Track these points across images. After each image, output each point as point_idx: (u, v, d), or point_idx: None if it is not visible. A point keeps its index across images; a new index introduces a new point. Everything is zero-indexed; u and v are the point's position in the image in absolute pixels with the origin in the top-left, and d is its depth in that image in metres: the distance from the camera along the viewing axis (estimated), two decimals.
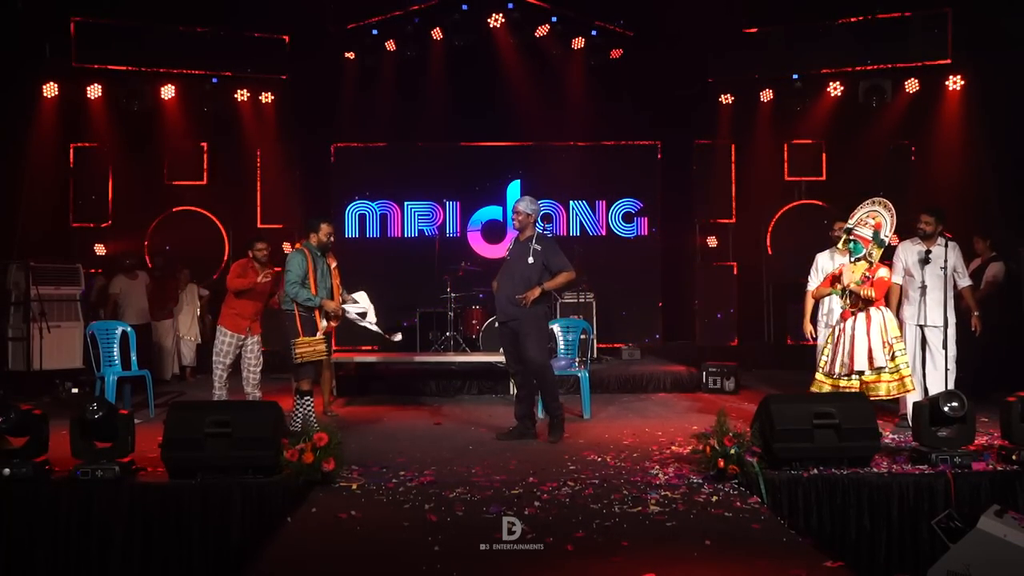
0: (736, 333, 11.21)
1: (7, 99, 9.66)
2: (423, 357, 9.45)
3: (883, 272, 5.77)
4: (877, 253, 5.75)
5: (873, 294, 5.70)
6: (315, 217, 6.73)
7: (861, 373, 5.67)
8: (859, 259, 5.80)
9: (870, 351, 5.62)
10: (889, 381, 5.60)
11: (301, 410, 6.39)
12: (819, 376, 5.92)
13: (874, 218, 5.79)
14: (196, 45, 10.72)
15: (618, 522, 4.27)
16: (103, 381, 7.37)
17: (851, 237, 5.82)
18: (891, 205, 5.82)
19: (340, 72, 11.36)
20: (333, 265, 6.60)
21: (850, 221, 5.89)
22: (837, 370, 5.78)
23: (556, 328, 7.99)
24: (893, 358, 5.64)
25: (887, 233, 5.77)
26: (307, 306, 6.33)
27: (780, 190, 11.28)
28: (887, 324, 5.67)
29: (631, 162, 11.99)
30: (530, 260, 6.34)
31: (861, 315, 5.70)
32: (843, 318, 5.83)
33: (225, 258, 10.87)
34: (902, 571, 4.64)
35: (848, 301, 5.82)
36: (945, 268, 6.25)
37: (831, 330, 6.83)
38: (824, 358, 5.97)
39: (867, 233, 5.76)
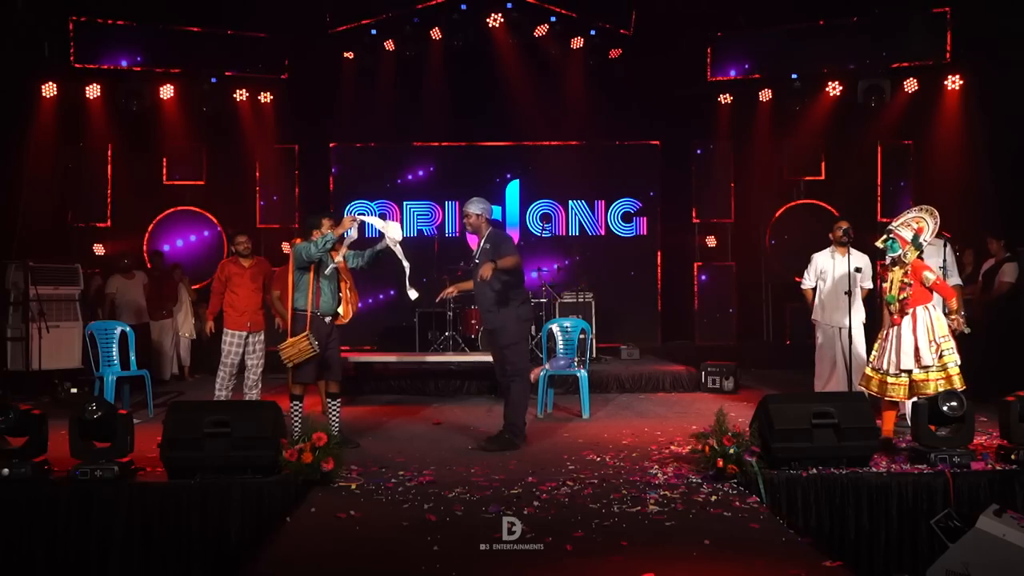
0: (735, 333, 11.23)
1: (6, 99, 9.65)
2: (422, 357, 9.44)
3: (930, 276, 5.72)
4: (912, 255, 5.74)
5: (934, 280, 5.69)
6: (315, 214, 6.26)
7: (909, 372, 5.66)
8: (895, 259, 5.78)
9: (917, 349, 5.62)
10: (937, 379, 5.60)
11: (294, 415, 6.07)
12: (868, 371, 5.93)
13: (917, 222, 5.77)
14: (195, 45, 10.73)
15: (617, 522, 4.27)
16: (102, 381, 7.36)
17: (890, 236, 5.81)
18: (937, 214, 5.79)
19: (339, 72, 11.36)
20: (339, 261, 6.12)
21: (895, 222, 5.87)
22: (885, 366, 5.79)
23: (555, 328, 8.00)
24: (941, 356, 5.63)
25: (926, 238, 5.76)
26: (314, 254, 5.85)
27: (779, 190, 11.31)
28: (934, 323, 5.66)
29: (630, 162, 11.99)
30: (478, 261, 6.18)
31: (908, 315, 5.70)
32: (893, 324, 5.81)
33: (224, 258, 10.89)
34: (901, 570, 4.64)
35: (893, 308, 5.80)
36: (944, 267, 6.25)
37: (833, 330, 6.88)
38: (874, 353, 5.98)
39: (907, 234, 5.75)
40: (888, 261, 5.83)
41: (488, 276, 5.87)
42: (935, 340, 5.63)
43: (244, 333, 7.03)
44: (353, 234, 6.10)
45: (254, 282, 7.11)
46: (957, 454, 4.98)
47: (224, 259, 7.26)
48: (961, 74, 10.14)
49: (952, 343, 5.72)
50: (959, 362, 5.68)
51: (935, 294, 5.78)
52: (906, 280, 5.70)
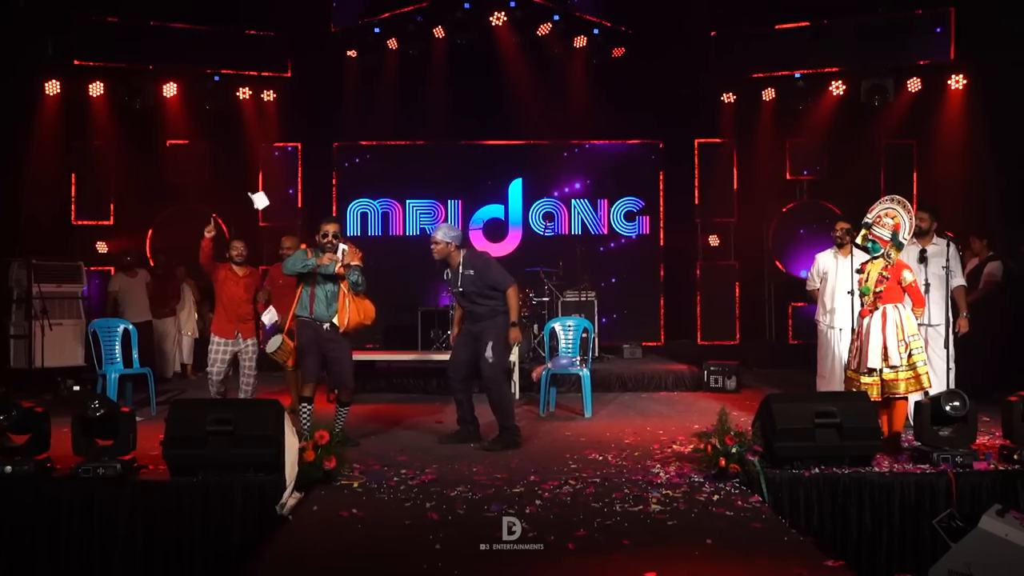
0: (738, 332, 11.23)
1: (9, 96, 9.68)
2: (424, 355, 9.44)
3: (908, 276, 5.70)
4: (895, 254, 5.71)
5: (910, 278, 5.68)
6: (326, 218, 6.19)
7: (873, 371, 5.64)
8: (876, 258, 5.77)
9: (885, 348, 5.59)
10: (906, 379, 5.59)
11: (304, 416, 6.03)
12: (849, 373, 5.92)
13: (892, 217, 5.73)
14: (198, 43, 10.72)
15: (619, 521, 4.27)
16: (105, 379, 7.37)
17: (870, 236, 5.78)
18: (909, 205, 5.77)
19: (342, 70, 11.37)
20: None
21: (868, 216, 5.84)
22: (856, 366, 5.78)
23: (557, 327, 8.00)
24: (910, 356, 5.61)
25: (905, 236, 5.74)
26: (303, 272, 5.92)
27: (782, 189, 11.28)
28: (904, 322, 5.63)
29: (633, 161, 11.98)
30: (470, 288, 6.12)
31: (878, 313, 5.68)
32: (861, 316, 5.81)
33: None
34: (903, 570, 4.63)
35: (866, 299, 5.79)
36: (947, 267, 6.23)
37: (833, 330, 6.88)
38: (848, 355, 5.97)
39: (885, 234, 5.72)
40: (871, 258, 5.82)
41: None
42: (904, 339, 5.60)
43: (231, 341, 6.86)
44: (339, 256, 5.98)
45: (247, 292, 6.96)
46: (960, 454, 4.97)
47: (220, 264, 7.09)
48: (965, 73, 10.12)
49: (921, 341, 5.72)
50: (927, 360, 5.69)
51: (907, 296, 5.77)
52: (884, 274, 5.69)
